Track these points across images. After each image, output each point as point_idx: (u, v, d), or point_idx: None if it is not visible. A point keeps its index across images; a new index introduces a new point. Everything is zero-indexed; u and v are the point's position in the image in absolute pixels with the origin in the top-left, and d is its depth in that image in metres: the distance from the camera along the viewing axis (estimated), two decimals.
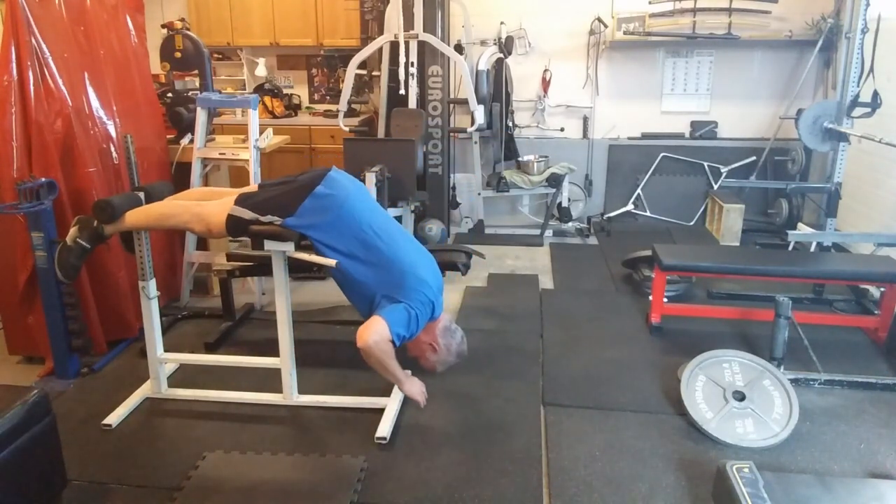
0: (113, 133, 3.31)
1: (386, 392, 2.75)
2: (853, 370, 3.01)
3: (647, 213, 5.56)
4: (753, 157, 5.30)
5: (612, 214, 5.57)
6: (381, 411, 2.67)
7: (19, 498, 1.97)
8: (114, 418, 2.66)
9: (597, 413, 2.73)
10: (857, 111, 3.75)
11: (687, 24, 5.04)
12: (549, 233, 5.35)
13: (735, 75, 5.35)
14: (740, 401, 2.65)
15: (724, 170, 5.35)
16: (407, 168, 4.18)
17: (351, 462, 2.40)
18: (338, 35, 5.59)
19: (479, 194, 5.38)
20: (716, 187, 5.35)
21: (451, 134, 5.05)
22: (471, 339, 2.64)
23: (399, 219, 4.20)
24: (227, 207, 2.41)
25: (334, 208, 2.35)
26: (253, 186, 2.71)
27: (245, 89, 6.03)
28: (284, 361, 2.71)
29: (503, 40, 5.13)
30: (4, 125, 2.85)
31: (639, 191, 5.55)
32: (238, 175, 4.20)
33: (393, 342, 2.24)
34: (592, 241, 5.25)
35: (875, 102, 3.62)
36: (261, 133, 3.67)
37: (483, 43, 5.27)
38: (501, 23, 5.23)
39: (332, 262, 2.33)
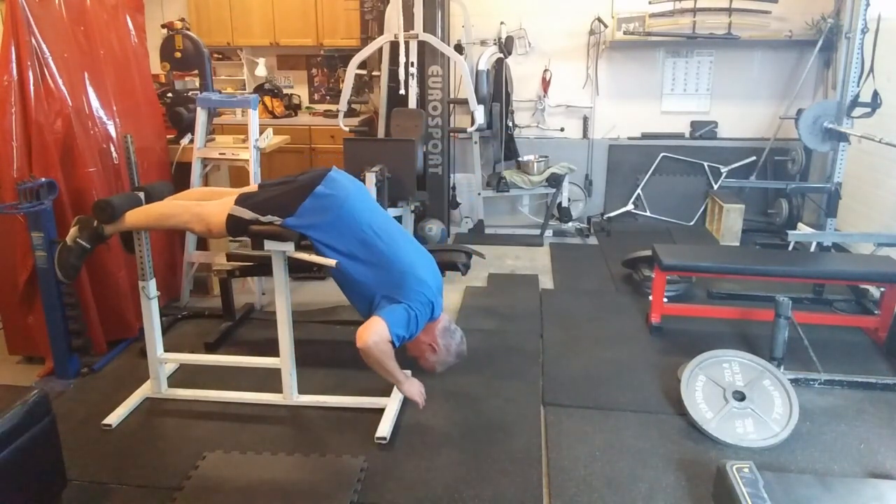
0: (113, 133, 3.31)
1: (386, 392, 2.75)
2: (853, 370, 3.01)
3: (647, 213, 5.56)
4: (753, 157, 5.30)
5: (612, 214, 5.57)
6: (381, 411, 2.67)
7: (19, 498, 1.96)
8: (114, 418, 2.66)
9: (597, 413, 2.73)
10: (857, 111, 3.75)
11: (687, 24, 5.04)
12: (549, 233, 5.35)
13: (735, 75, 5.34)
14: (740, 401, 2.65)
15: (724, 170, 5.35)
16: (407, 168, 4.18)
17: (351, 462, 2.40)
18: (338, 35, 5.59)
19: (479, 194, 5.37)
20: (716, 187, 5.35)
21: (451, 134, 5.04)
22: (471, 339, 2.65)
23: (399, 219, 4.20)
24: (227, 207, 2.41)
25: (334, 208, 2.35)
26: (253, 186, 2.71)
27: (245, 89, 6.03)
28: (284, 361, 2.71)
29: (503, 40, 5.13)
30: (4, 125, 2.85)
31: (639, 191, 5.55)
32: (238, 175, 4.20)
33: (392, 343, 2.24)
34: (592, 241, 5.25)
35: (875, 102, 3.62)
36: (261, 133, 3.68)
37: (483, 43, 5.27)
38: (501, 23, 5.23)
39: (332, 262, 2.33)
